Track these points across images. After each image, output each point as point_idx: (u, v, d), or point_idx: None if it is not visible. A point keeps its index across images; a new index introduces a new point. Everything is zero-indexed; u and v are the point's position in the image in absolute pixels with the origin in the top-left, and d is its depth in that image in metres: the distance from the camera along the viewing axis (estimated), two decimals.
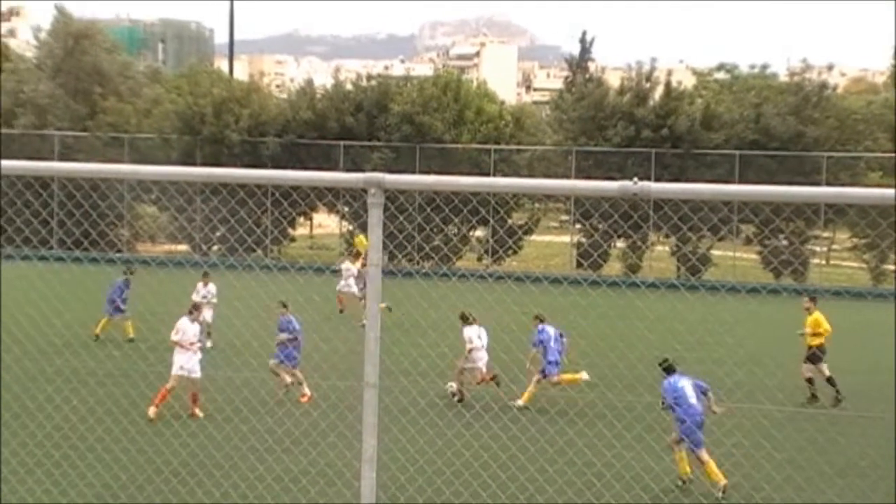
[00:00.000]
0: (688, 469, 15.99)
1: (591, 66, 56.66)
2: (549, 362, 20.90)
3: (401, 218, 41.42)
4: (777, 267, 45.82)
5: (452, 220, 47.20)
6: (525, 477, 15.35)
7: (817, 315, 22.42)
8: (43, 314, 19.28)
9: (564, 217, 53.15)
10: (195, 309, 20.58)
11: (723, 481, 15.47)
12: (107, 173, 7.13)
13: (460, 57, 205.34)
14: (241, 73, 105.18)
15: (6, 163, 6.50)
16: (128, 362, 20.87)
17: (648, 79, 49.80)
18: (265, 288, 28.95)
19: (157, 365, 20.64)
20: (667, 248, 49.20)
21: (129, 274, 28.02)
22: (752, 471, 16.11)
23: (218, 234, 49.61)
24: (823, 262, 50.46)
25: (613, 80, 52.74)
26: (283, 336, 20.87)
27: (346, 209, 50.36)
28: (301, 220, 55.27)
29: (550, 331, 21.19)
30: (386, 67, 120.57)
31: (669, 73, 51.12)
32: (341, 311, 31.65)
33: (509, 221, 49.17)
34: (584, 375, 21.15)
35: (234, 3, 65.49)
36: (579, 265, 47.07)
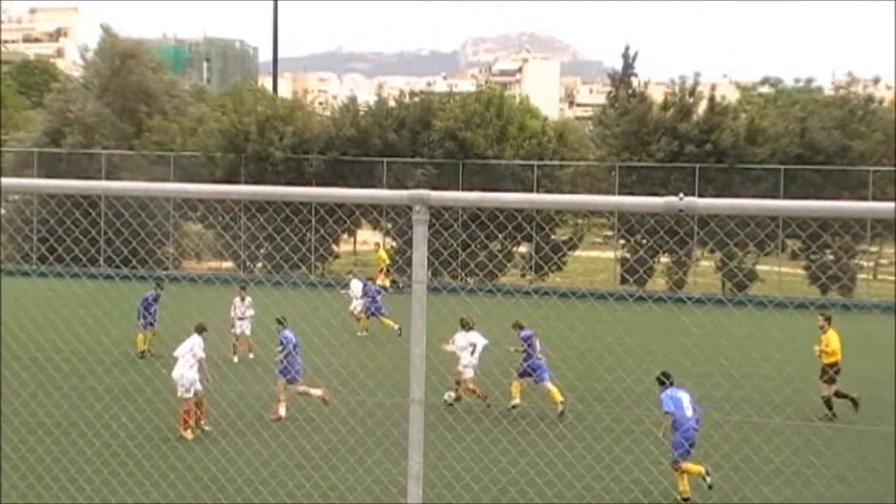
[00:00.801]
0: (687, 487, 16.00)
1: (634, 81, 56.44)
2: (537, 367, 21.10)
3: (445, 234, 41.44)
4: (825, 282, 45.39)
5: (497, 236, 47.12)
6: (571, 494, 15.29)
7: (830, 333, 22.09)
8: (92, 332, 19.49)
9: (608, 232, 52.93)
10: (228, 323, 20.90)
11: (688, 493, 15.79)
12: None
13: (503, 73, 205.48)
14: (285, 90, 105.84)
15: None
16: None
17: (692, 93, 49.53)
18: (310, 304, 29.09)
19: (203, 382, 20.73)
20: (711, 264, 48.87)
21: (158, 289, 28.28)
22: (802, 488, 15.96)
23: (262, 251, 49.82)
24: (871, 276, 49.93)
25: (657, 95, 52.49)
26: (277, 350, 21.08)
27: (390, 225, 50.43)
28: (345, 236, 55.41)
29: (534, 337, 21.39)
30: (429, 84, 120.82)
31: (713, 87, 50.83)
32: (366, 333, 31.95)
33: (553, 237, 49.05)
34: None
35: (278, 21, 65.83)
36: (624, 281, 46.85)
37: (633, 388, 20.94)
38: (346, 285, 34.23)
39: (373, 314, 31.91)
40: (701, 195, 42.08)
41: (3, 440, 16.74)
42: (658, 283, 47.48)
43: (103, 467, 15.69)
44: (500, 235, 47.20)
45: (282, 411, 20.45)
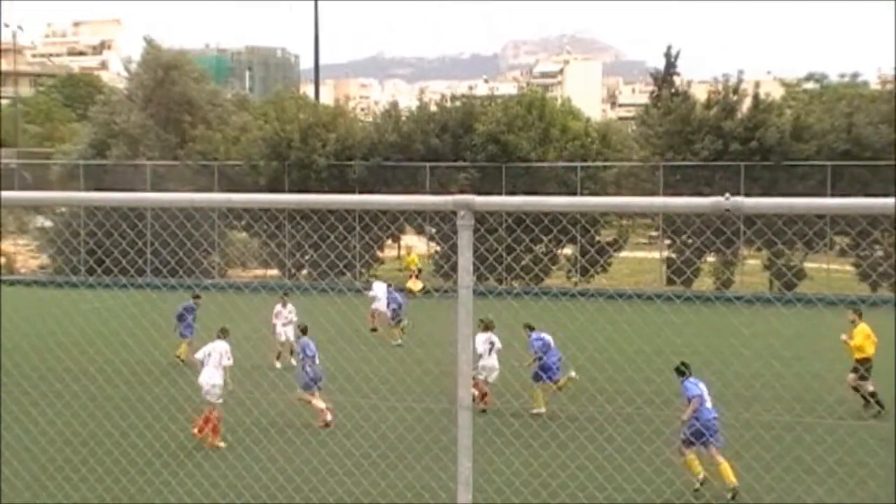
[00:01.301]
0: (700, 469, 16.28)
1: (677, 80, 56.06)
2: (549, 368, 21.53)
3: (491, 239, 41.36)
4: (875, 279, 44.87)
5: (542, 239, 46.94)
6: (622, 497, 15.19)
7: (861, 328, 22.11)
8: (140, 342, 19.63)
9: (653, 233, 52.62)
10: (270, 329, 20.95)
11: (733, 482, 15.87)
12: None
13: (544, 75, 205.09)
14: (327, 97, 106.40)
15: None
16: (241, 390, 21.02)
17: (735, 91, 49.16)
18: (355, 310, 29.16)
19: (255, 391, 20.81)
20: (758, 262, 48.46)
21: (195, 299, 28.41)
22: (856, 488, 15.76)
23: (307, 258, 49.97)
24: None
25: (700, 94, 52.15)
26: (299, 359, 21.07)
27: (434, 230, 50.44)
28: (389, 242, 55.49)
29: (548, 337, 21.81)
30: (470, 87, 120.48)
31: (757, 84, 50.43)
32: (374, 330, 32.01)
33: (598, 238, 48.84)
34: (572, 374, 21.88)
35: (319, 28, 66.10)
36: (670, 282, 46.57)
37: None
38: (369, 288, 34.27)
39: (394, 318, 32.03)
40: (746, 193, 41.90)
41: (58, 451, 16.87)
42: (705, 283, 47.15)
43: (155, 477, 15.78)
44: (546, 239, 47.02)
45: (328, 416, 20.46)
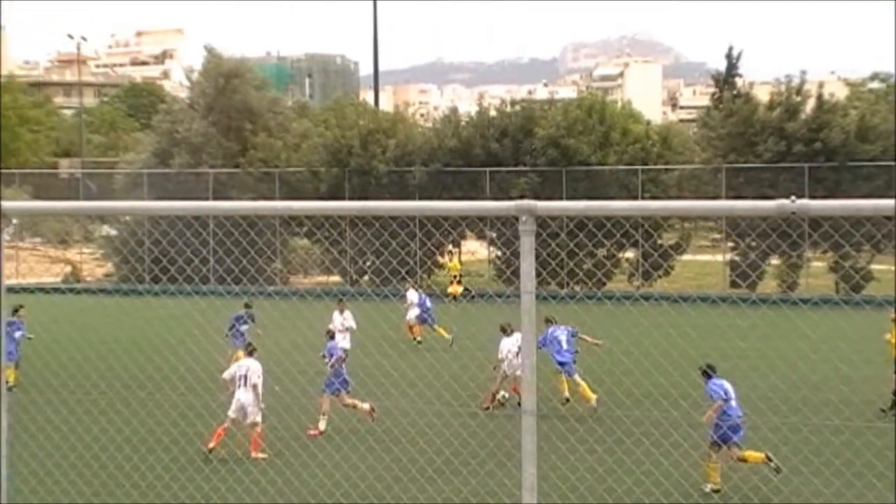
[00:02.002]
0: (718, 479, 16.38)
1: (739, 82, 55.53)
2: (565, 363, 21.91)
3: (553, 244, 41.20)
4: None
5: (604, 243, 46.65)
6: None
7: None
8: (205, 350, 19.77)
9: (716, 235, 52.13)
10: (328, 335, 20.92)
11: (763, 455, 16.32)
12: (192, 210, 7.18)
13: (604, 78, 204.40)
14: (387, 103, 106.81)
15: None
16: (289, 397, 21.13)
17: (798, 92, 48.65)
18: (448, 315, 29.12)
19: (316, 398, 20.87)
20: (824, 265, 47.85)
21: (247, 308, 28.50)
22: None
23: (369, 264, 50.10)
24: None
25: (762, 95, 51.63)
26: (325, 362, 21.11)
27: (494, 235, 50.37)
28: (450, 247, 55.49)
29: (559, 332, 22.11)
30: (529, 92, 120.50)
31: (821, 85, 49.85)
32: (419, 342, 31.92)
33: (660, 242, 48.52)
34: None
35: (378, 34, 66.33)
36: (733, 285, 46.07)
37: (750, 394, 20.53)
38: (403, 297, 34.27)
39: (425, 322, 32.23)
40: (811, 195, 41.36)
41: (125, 458, 17.04)
42: (769, 286, 46.61)
43: (221, 484, 15.86)
44: (609, 243, 46.71)
45: (322, 426, 20.40)
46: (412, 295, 33.62)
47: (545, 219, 6.00)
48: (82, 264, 57.82)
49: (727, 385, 17.06)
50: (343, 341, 27.89)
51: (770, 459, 16.41)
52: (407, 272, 46.36)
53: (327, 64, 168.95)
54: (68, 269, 57.79)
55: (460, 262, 48.75)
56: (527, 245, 5.90)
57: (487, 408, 21.97)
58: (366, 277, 50.44)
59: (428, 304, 32.61)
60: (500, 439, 18.03)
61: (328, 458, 17.21)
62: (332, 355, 21.05)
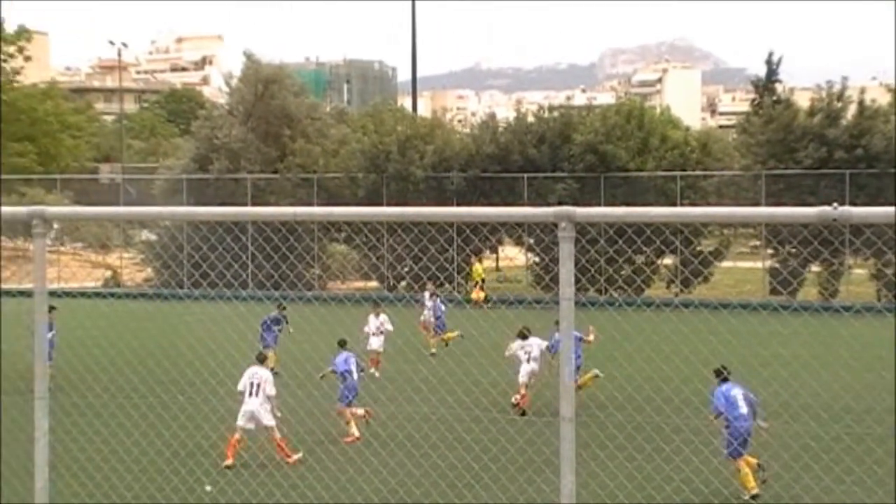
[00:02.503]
0: (753, 482, 16.28)
1: (779, 88, 55.16)
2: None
3: (592, 250, 41.09)
4: None
5: (643, 250, 46.43)
6: None
7: None
8: (244, 354, 19.81)
9: (756, 242, 51.80)
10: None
11: (754, 490, 16.09)
12: (231, 216, 7.18)
13: (642, 84, 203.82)
14: (424, 109, 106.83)
15: (49, 209, 6.82)
16: (328, 401, 21.17)
17: (840, 98, 48.28)
18: (456, 322, 29.15)
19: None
20: (865, 272, 47.43)
21: (281, 310, 28.68)
22: None
23: (406, 269, 50.13)
24: None
25: (802, 101, 51.30)
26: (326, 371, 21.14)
27: (532, 240, 50.27)
28: (487, 253, 55.43)
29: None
30: (567, 98, 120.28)
31: (862, 90, 49.44)
32: (433, 354, 31.80)
33: (699, 248, 48.27)
34: (595, 372, 22.68)
35: (417, 40, 66.38)
36: (774, 292, 45.73)
37: (791, 402, 20.39)
38: (422, 302, 34.30)
39: (438, 330, 32.20)
40: (852, 202, 41.00)
41: (165, 462, 17.12)
42: (809, 293, 46.26)
43: (260, 488, 15.90)
44: (648, 250, 46.48)
45: (354, 431, 20.36)
46: (427, 300, 33.65)
47: (584, 225, 5.98)
48: (122, 269, 58.20)
49: (734, 392, 16.89)
50: (376, 343, 28.31)
51: (761, 467, 16.53)
52: (446, 278, 46.42)
53: (365, 70, 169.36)
54: (108, 273, 58.19)
55: (482, 268, 48.67)
56: (566, 251, 5.89)
57: (521, 410, 22.20)
58: (403, 283, 50.46)
59: (442, 308, 32.55)
60: (538, 446, 17.97)
61: (367, 463, 17.22)
62: (339, 369, 20.89)
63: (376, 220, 43.55)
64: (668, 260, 49.71)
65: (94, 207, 8.33)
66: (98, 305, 35.04)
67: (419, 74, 69.40)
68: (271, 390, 18.84)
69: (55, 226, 50.80)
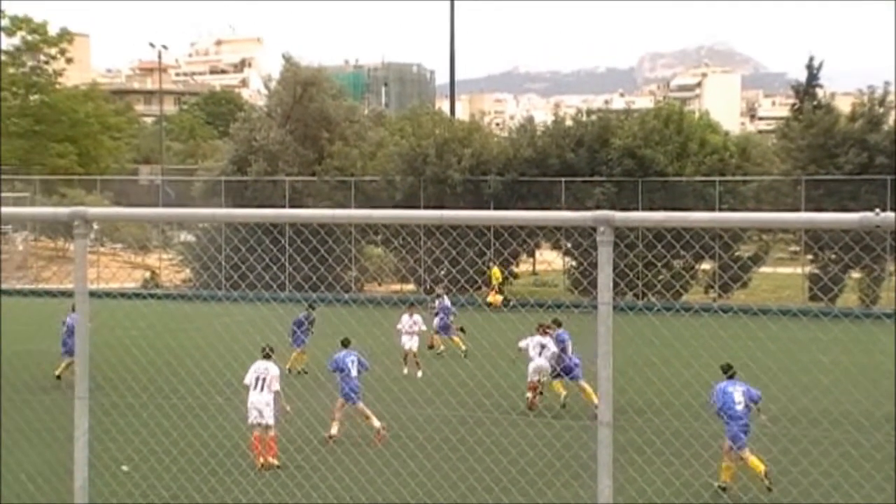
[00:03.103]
0: (727, 478, 16.86)
1: (820, 93, 54.79)
2: (570, 368, 22.94)
3: (631, 255, 40.91)
4: None
5: (683, 255, 46.20)
6: None
7: None
8: (282, 355, 19.91)
9: (795, 248, 51.44)
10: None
11: (762, 468, 16.67)
12: (271, 217, 7.19)
13: (681, 88, 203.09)
14: (462, 112, 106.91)
15: (90, 210, 6.83)
16: (365, 403, 21.19)
17: (882, 103, 47.91)
18: (494, 326, 29.07)
19: (394, 405, 20.90)
20: None
21: (310, 309, 28.96)
22: None
23: (444, 272, 50.08)
24: None
25: (844, 106, 50.93)
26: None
27: (570, 244, 50.14)
28: (524, 256, 55.33)
29: (566, 336, 23.35)
30: (606, 102, 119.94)
31: None
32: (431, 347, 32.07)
33: (737, 253, 48.00)
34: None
35: (455, 43, 66.45)
36: (813, 298, 45.36)
37: (831, 409, 20.23)
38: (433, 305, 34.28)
39: (441, 331, 32.22)
40: (894, 207, 40.70)
41: (203, 463, 17.19)
42: (849, 300, 45.86)
43: (297, 490, 15.93)
44: (687, 255, 46.23)
45: (333, 430, 20.33)
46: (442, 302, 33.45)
47: (622, 229, 5.97)
48: (161, 270, 58.55)
49: (731, 389, 17.32)
50: (408, 342, 28.67)
51: (767, 476, 16.73)
52: (484, 282, 46.38)
53: (403, 73, 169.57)
54: (147, 274, 58.57)
55: (501, 271, 48.55)
56: (604, 256, 5.89)
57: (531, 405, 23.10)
58: (441, 286, 50.40)
59: (449, 310, 32.38)
60: (575, 450, 17.90)
61: (403, 466, 17.21)
62: (337, 367, 20.83)
63: (414, 223, 43.71)
64: (705, 265, 49.45)
65: (134, 209, 8.34)
66: (137, 306, 35.29)
67: (457, 78, 69.51)
68: (276, 385, 18.85)
69: (95, 226, 51.03)
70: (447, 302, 32.76)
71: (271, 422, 18.67)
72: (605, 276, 5.88)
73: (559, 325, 23.90)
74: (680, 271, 47.46)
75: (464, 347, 31.06)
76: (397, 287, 53.05)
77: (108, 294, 38.85)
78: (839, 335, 23.98)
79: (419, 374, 27.66)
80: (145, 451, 17.56)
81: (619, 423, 20.78)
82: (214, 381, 20.22)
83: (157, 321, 29.84)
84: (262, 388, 18.74)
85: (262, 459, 18.25)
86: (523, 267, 56.37)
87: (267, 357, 19.40)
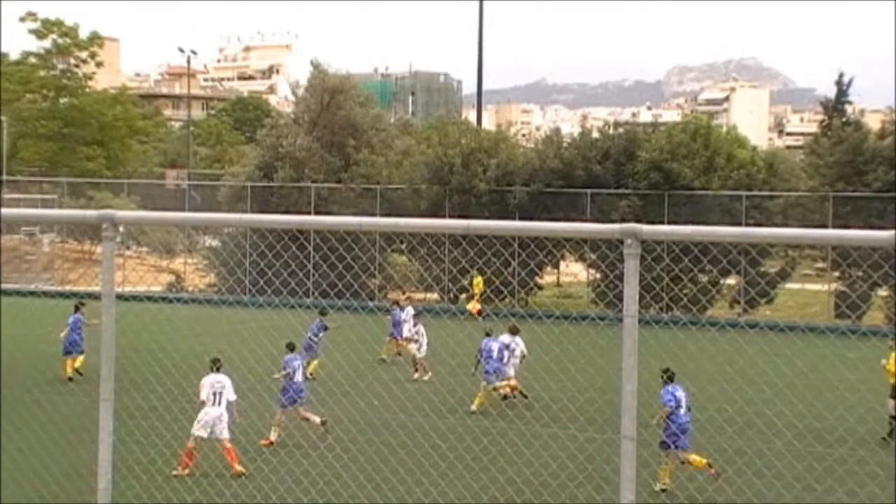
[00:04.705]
0: (668, 479, 17.54)
1: (849, 109, 54.58)
2: (487, 371, 24.35)
3: (658, 269, 40.76)
4: None
5: (710, 269, 45.99)
6: None
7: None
8: (306, 361, 19.91)
9: (821, 264, 51.16)
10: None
11: (705, 462, 17.61)
12: (296, 224, 7.16)
13: (709, 102, 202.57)
14: (489, 122, 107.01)
15: (118, 213, 6.84)
16: (388, 411, 21.19)
17: None
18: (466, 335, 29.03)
19: (417, 414, 20.89)
20: None
21: (322, 316, 29.09)
22: None
23: (468, 282, 50.02)
24: None
25: (873, 123, 50.71)
26: (279, 375, 21.21)
27: (593, 256, 50.03)
28: (548, 268, 55.22)
29: (493, 344, 24.73)
30: (633, 114, 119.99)
31: None
32: (384, 360, 31.99)
33: (763, 268, 47.77)
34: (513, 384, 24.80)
35: (483, 54, 66.45)
36: (839, 315, 45.04)
37: (857, 428, 20.09)
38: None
39: (393, 336, 32.06)
40: None
41: (226, 467, 17.22)
42: (875, 318, 45.56)
43: (334, 497, 15.93)
44: (714, 270, 46.01)
45: (273, 436, 20.47)
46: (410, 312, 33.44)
47: (648, 242, 5.96)
48: (185, 274, 58.72)
49: (680, 393, 18.08)
50: (412, 348, 29.70)
51: (711, 466, 17.59)
52: (509, 292, 46.31)
53: (431, 82, 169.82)
54: (172, 278, 58.76)
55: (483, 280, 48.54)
56: (631, 268, 5.90)
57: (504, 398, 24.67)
58: (464, 296, 50.38)
59: (402, 321, 31.97)
60: (598, 463, 17.83)
61: (425, 475, 17.18)
62: (285, 368, 21.02)
63: (440, 233, 43.71)
64: (731, 280, 49.25)
65: (161, 212, 8.40)
66: (163, 309, 35.38)
67: (484, 88, 69.56)
68: (231, 395, 18.80)
69: (121, 229, 51.13)
70: (398, 311, 32.80)
71: (226, 434, 18.50)
72: (631, 288, 5.88)
73: (488, 334, 25.30)
74: (706, 285, 47.27)
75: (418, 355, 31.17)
76: (421, 296, 53.02)
77: (134, 297, 38.96)
78: (866, 353, 23.83)
79: (426, 377, 28.32)
80: (168, 454, 17.59)
81: (643, 436, 20.71)
82: (238, 386, 20.25)
83: (182, 325, 29.92)
84: (218, 402, 18.60)
85: (187, 470, 18.04)
86: (548, 278, 56.26)
87: (217, 370, 19.19)
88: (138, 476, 15.92)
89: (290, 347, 21.61)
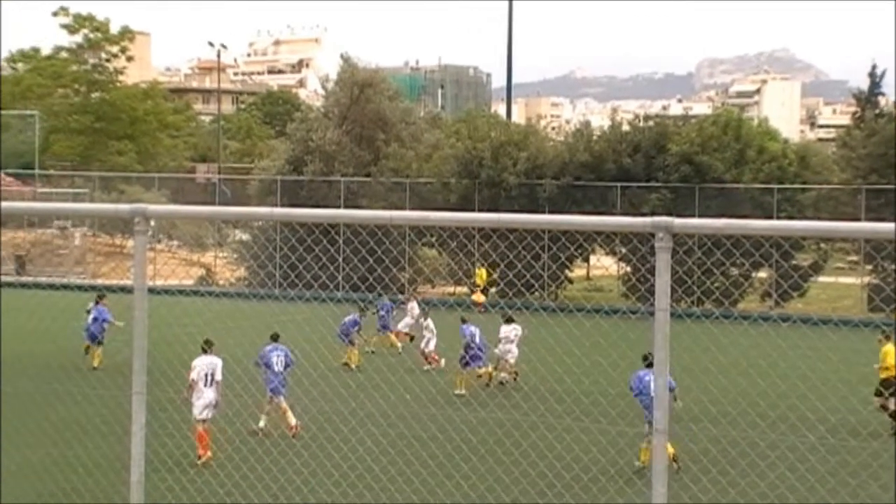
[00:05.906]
0: (645, 459, 17.46)
1: (882, 101, 54.08)
2: (472, 356, 25.55)
3: (690, 262, 40.57)
4: None
5: (742, 262, 45.73)
6: None
7: (887, 348, 22.21)
8: (337, 354, 19.94)
9: (853, 257, 50.79)
10: None
11: (672, 451, 16.92)
12: (327, 218, 7.13)
13: (740, 94, 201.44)
14: (518, 116, 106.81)
15: (150, 207, 6.85)
16: (418, 404, 21.18)
17: None
18: (549, 329, 28.99)
19: (448, 408, 20.88)
20: None
21: (361, 313, 29.67)
22: None
23: (497, 275, 49.92)
24: None
25: None
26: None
27: (624, 249, 49.82)
28: (578, 261, 55.06)
29: (474, 329, 25.97)
30: (664, 107, 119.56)
31: None
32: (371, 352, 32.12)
33: (794, 261, 47.46)
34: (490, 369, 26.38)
35: (512, 47, 66.35)
36: (873, 308, 44.68)
37: (892, 422, 19.93)
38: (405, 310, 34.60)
39: (382, 329, 32.56)
40: None
41: (257, 461, 17.25)
42: None
43: (350, 489, 15.94)
44: (747, 263, 45.74)
45: (261, 424, 20.60)
46: (413, 307, 33.69)
47: (681, 235, 5.91)
48: (216, 268, 58.87)
49: (649, 378, 17.65)
50: (427, 345, 29.80)
51: (675, 460, 17.40)
52: (540, 286, 46.24)
53: (460, 75, 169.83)
54: (203, 272, 58.94)
55: (487, 272, 48.48)
56: (662, 262, 5.84)
57: (487, 384, 26.12)
58: (494, 290, 50.29)
59: (387, 312, 32.78)
60: (630, 457, 17.80)
61: (457, 468, 17.17)
62: (262, 362, 21.11)
63: (471, 226, 43.66)
64: (762, 273, 48.97)
65: (193, 206, 8.41)
66: (194, 303, 35.54)
67: (513, 81, 69.37)
68: (219, 375, 19.04)
69: (151, 223, 51.24)
70: (387, 302, 33.24)
71: (209, 417, 18.81)
72: (662, 282, 5.84)
73: (464, 321, 26.63)
74: (738, 279, 47.01)
75: (400, 345, 32.08)
76: (451, 289, 52.98)
77: (166, 291, 39.12)
78: None
79: (442, 363, 28.95)
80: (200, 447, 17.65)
81: (675, 430, 20.63)
82: (270, 379, 20.33)
83: (213, 318, 30.03)
84: (211, 384, 18.90)
85: (208, 454, 18.32)
86: (578, 272, 56.11)
87: (205, 351, 19.51)
88: (171, 469, 16.00)
89: (274, 338, 21.71)
